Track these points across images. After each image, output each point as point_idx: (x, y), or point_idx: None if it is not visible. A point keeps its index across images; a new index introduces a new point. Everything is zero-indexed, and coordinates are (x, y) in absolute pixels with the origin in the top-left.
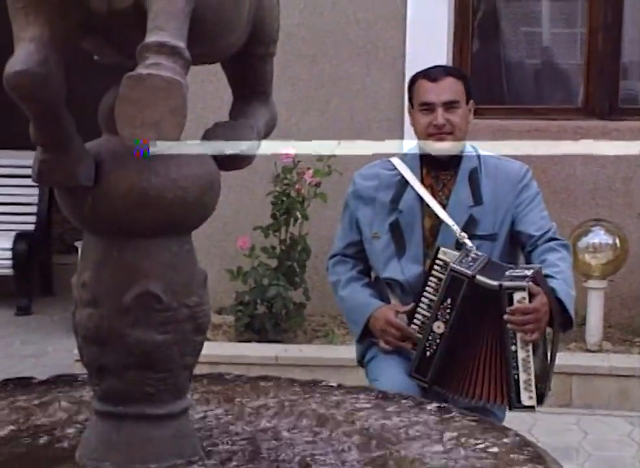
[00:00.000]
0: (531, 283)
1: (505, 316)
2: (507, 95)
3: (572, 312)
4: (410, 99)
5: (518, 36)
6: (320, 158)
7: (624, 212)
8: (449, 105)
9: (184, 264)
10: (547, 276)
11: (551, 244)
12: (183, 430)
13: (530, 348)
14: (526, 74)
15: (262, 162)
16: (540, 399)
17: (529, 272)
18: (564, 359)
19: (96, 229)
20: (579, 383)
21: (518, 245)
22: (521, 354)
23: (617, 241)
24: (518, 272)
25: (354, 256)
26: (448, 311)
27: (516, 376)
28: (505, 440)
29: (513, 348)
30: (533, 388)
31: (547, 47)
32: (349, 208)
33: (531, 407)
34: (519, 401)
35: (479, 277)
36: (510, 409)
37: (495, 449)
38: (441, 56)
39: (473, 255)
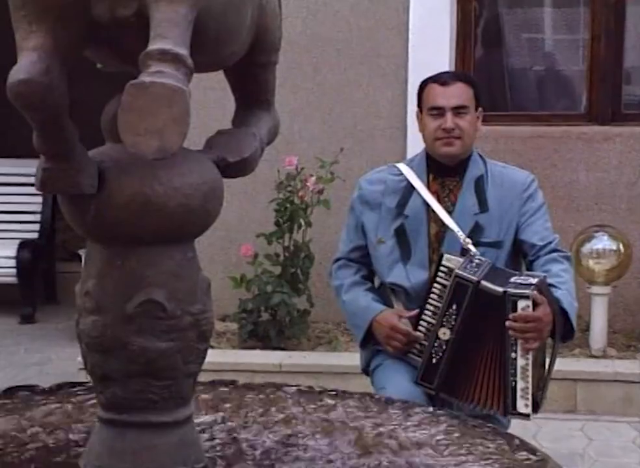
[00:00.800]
0: (535, 292)
1: (508, 323)
2: (510, 101)
3: (575, 324)
4: (419, 104)
5: (520, 43)
6: (323, 165)
7: (627, 217)
8: (459, 110)
9: (187, 272)
10: (551, 286)
11: (554, 255)
12: (187, 438)
13: (530, 356)
14: (529, 80)
15: (265, 169)
16: (535, 407)
17: (534, 280)
18: (568, 365)
19: (99, 237)
20: (583, 389)
21: (520, 254)
22: (520, 362)
23: (621, 247)
24: (522, 280)
25: (358, 260)
26: (454, 317)
27: (513, 383)
28: (509, 446)
29: (513, 355)
30: (530, 396)
31: (549, 53)
32: (354, 212)
33: (526, 415)
34: (514, 408)
35: (483, 282)
36: (504, 415)
37: (499, 455)
38: (444, 63)
39: (477, 260)
